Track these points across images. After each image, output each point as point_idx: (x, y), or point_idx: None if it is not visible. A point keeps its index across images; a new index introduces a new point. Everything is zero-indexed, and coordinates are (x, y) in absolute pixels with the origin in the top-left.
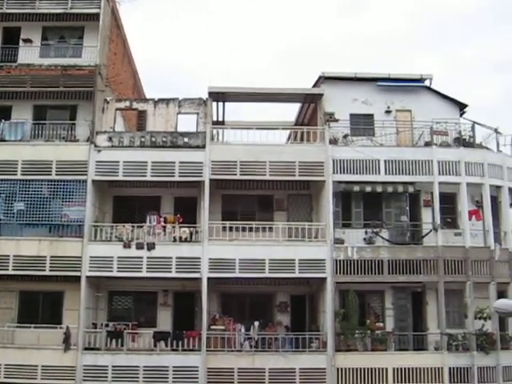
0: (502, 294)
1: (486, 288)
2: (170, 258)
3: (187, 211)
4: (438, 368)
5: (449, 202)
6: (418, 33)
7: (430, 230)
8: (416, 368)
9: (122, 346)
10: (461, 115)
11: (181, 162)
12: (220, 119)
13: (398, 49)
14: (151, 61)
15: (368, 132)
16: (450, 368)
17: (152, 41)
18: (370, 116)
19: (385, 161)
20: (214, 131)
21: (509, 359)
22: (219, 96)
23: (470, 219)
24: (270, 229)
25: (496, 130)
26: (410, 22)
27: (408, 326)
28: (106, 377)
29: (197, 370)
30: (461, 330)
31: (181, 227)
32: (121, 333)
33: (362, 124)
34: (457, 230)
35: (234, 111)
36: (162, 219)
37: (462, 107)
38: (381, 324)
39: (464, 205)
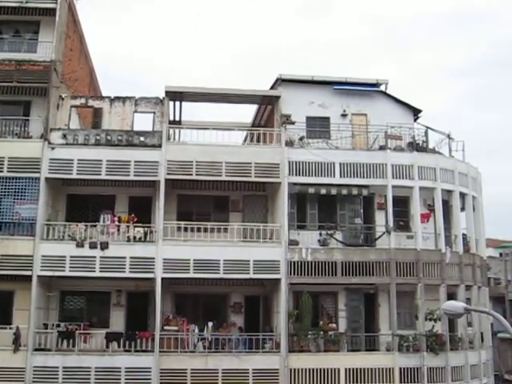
0: (451, 296)
1: (437, 290)
2: (124, 257)
3: (142, 211)
4: (389, 368)
5: (402, 205)
6: (376, 38)
7: (383, 233)
8: (368, 368)
9: (74, 346)
10: (415, 120)
11: (136, 161)
12: (177, 119)
13: (358, 53)
14: (110, 59)
15: (324, 135)
16: (400, 368)
17: (111, 39)
18: (326, 119)
19: (340, 163)
20: (171, 131)
21: (457, 360)
22: (176, 95)
23: (422, 222)
24: (225, 229)
25: (448, 136)
26: (370, 28)
27: (360, 327)
28: (57, 378)
29: (149, 371)
30: (412, 331)
31: (135, 227)
32: (72, 333)
33: (318, 127)
34: (409, 232)
35: (192, 111)
36: (116, 218)
37: (416, 112)
38: (334, 325)
39: (416, 208)
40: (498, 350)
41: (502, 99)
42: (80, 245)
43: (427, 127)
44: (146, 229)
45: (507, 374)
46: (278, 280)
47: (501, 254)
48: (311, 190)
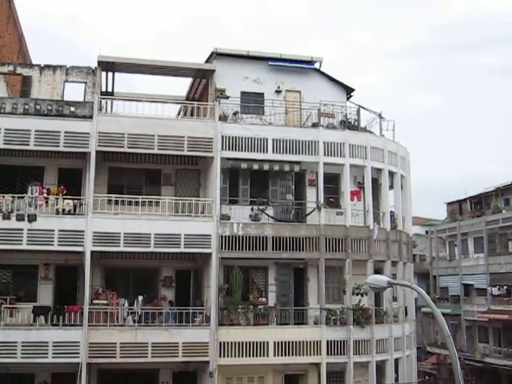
0: (378, 272)
1: (364, 265)
2: (52, 230)
3: (72, 183)
4: (317, 341)
5: (332, 182)
6: (316, 18)
7: (314, 209)
8: (296, 341)
9: (0, 321)
10: (348, 99)
11: (66, 132)
12: (109, 90)
13: (296, 33)
14: (46, 20)
15: (258, 110)
16: (327, 341)
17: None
18: (261, 95)
19: (273, 140)
20: (103, 102)
21: (382, 333)
22: (109, 66)
23: (352, 199)
24: (157, 203)
25: (380, 115)
26: (309, 7)
27: (290, 301)
28: None
29: (78, 345)
30: (339, 305)
31: (64, 199)
32: None
33: (253, 102)
34: (339, 209)
35: (127, 83)
36: (44, 190)
37: (349, 91)
38: (263, 299)
39: (347, 185)
40: (421, 324)
41: (439, 82)
42: (6, 217)
43: (359, 106)
44: (75, 201)
45: (429, 346)
46: (209, 254)
47: (427, 232)
48: (244, 166)
